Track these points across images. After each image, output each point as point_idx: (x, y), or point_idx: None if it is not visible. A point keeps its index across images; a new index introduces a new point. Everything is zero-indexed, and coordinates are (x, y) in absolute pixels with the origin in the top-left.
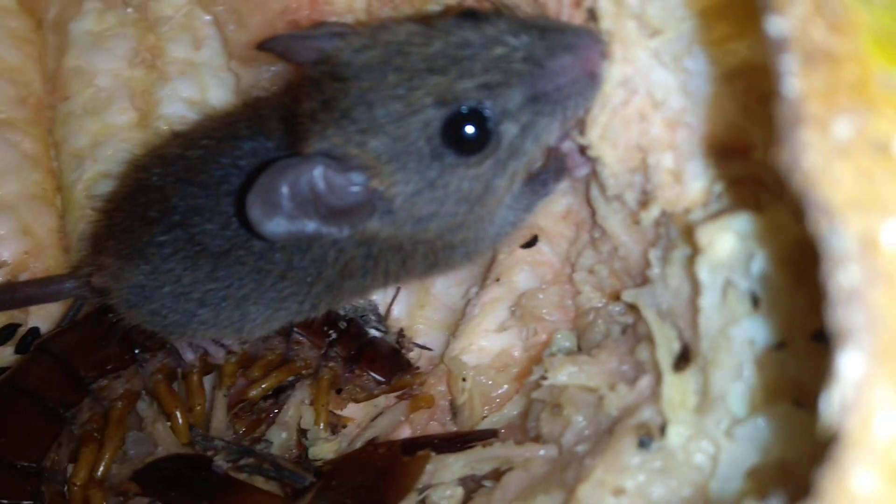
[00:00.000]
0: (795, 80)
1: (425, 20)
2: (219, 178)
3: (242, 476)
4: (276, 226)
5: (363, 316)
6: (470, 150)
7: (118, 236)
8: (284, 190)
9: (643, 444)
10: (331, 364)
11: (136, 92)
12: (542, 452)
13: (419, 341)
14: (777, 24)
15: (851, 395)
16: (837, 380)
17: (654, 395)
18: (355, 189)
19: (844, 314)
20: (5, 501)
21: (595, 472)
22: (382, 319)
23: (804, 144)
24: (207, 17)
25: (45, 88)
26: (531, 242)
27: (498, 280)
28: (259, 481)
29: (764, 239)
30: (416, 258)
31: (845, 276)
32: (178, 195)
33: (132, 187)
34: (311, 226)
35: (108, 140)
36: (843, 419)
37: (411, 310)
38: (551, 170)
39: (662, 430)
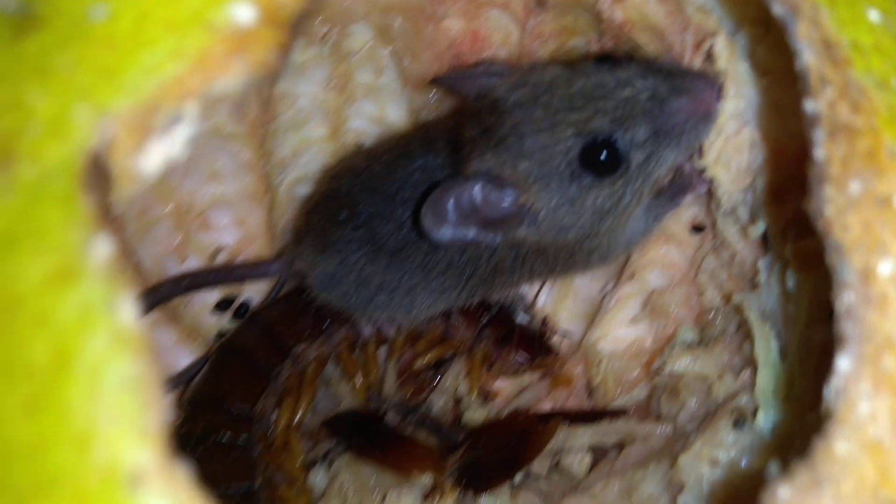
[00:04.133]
0: (822, 149)
1: (569, 63)
2: (395, 189)
3: (407, 431)
4: (444, 233)
5: (512, 304)
6: (604, 172)
7: (314, 233)
8: (450, 204)
9: (737, 424)
10: (483, 344)
11: (329, 111)
12: (659, 430)
13: (561, 328)
14: (811, 105)
15: (842, 386)
16: (835, 374)
17: (752, 384)
18: (507, 203)
19: (844, 327)
20: (227, 438)
21: (695, 445)
22: (529, 308)
23: (825, 198)
24: (386, 51)
25: (259, 110)
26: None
27: (632, 278)
28: (420, 437)
29: None
30: (557, 260)
31: (847, 299)
32: (363, 202)
33: (326, 193)
34: (471, 233)
35: (306, 151)
36: (835, 403)
37: (554, 301)
38: (678, 186)
39: (754, 414)
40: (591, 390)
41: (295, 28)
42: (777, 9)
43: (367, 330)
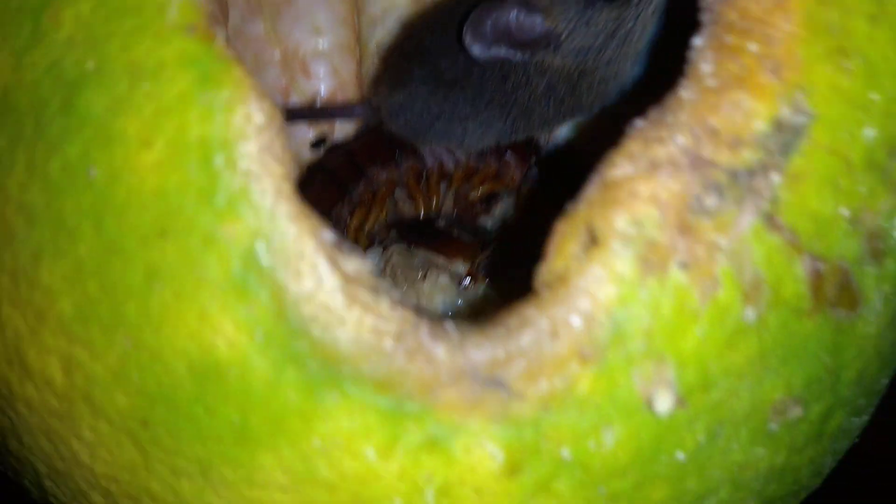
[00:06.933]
0: None
1: None
2: (454, 26)
3: (453, 233)
4: (480, 49)
5: None
6: None
7: (389, 69)
8: (489, 23)
9: None
10: (530, 182)
11: None
12: None
13: None
14: None
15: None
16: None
17: None
18: (537, 26)
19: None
20: None
21: None
22: None
23: None
24: None
25: None
26: None
27: None
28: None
29: None
30: (581, 89)
31: None
32: (428, 39)
33: (401, 37)
34: (502, 51)
35: (393, 11)
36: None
37: None
38: None
39: None
40: None
41: None
42: None
43: (429, 161)
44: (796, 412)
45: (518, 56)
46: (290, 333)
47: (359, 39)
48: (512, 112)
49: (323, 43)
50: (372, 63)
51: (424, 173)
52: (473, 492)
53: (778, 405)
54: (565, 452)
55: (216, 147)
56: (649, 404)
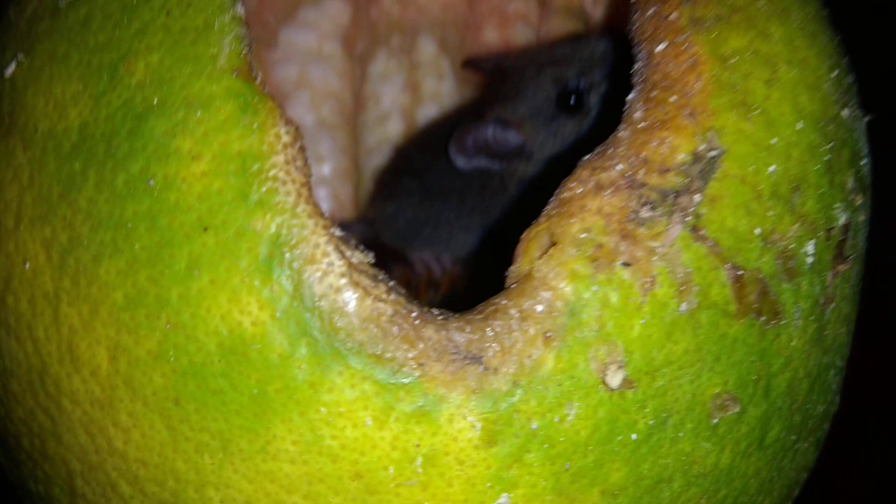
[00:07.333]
0: None
1: (554, 40)
2: (439, 145)
3: None
4: (463, 160)
5: None
6: (573, 112)
7: (382, 185)
8: (470, 139)
9: None
10: None
11: (404, 111)
12: None
13: None
14: None
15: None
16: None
17: None
18: (511, 140)
19: None
20: None
21: None
22: None
23: None
24: (446, 61)
25: (353, 106)
26: None
27: None
28: None
29: None
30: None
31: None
32: (416, 157)
33: (392, 158)
34: (483, 162)
35: (386, 143)
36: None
37: None
38: None
39: None
40: None
41: None
42: None
43: (418, 269)
44: (734, 409)
45: (497, 165)
46: (305, 310)
47: (356, 167)
48: (491, 216)
49: (325, 169)
50: (368, 187)
51: (414, 280)
52: (456, 461)
53: (717, 400)
54: (535, 426)
55: (252, 159)
56: (603, 381)
